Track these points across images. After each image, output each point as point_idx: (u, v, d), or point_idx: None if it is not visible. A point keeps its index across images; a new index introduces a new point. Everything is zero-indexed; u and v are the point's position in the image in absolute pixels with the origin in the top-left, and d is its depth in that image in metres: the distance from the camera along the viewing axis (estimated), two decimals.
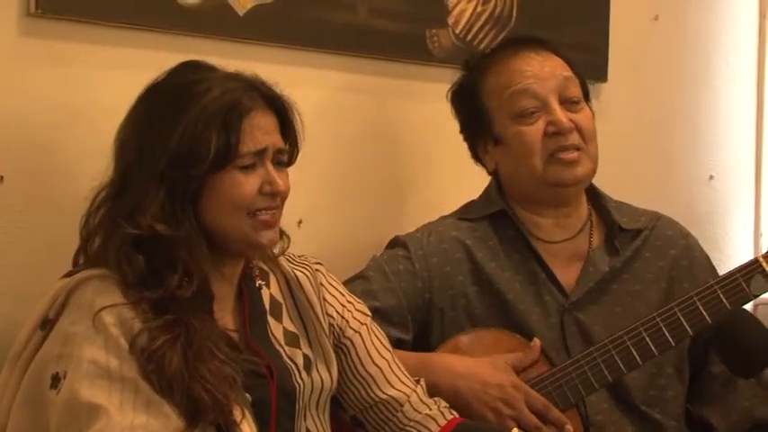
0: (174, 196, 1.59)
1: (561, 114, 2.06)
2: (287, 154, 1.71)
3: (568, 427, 1.94)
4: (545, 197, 2.12)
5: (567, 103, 2.09)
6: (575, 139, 2.07)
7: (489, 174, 2.20)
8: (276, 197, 1.66)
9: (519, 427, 1.92)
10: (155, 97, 1.65)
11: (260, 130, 1.64)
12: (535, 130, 2.07)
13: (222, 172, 1.60)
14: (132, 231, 1.57)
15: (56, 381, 1.50)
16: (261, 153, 1.63)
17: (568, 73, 2.11)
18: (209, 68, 1.68)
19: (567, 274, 2.12)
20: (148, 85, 1.67)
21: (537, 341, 2.02)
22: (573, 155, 2.07)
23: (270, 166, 1.65)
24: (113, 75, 2.00)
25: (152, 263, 1.58)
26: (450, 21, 2.54)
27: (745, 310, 1.92)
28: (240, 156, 1.61)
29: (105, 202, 1.62)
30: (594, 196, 2.19)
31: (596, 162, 2.11)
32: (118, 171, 1.62)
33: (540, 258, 2.11)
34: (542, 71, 2.08)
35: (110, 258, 1.58)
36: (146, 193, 1.58)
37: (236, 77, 1.66)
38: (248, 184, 1.62)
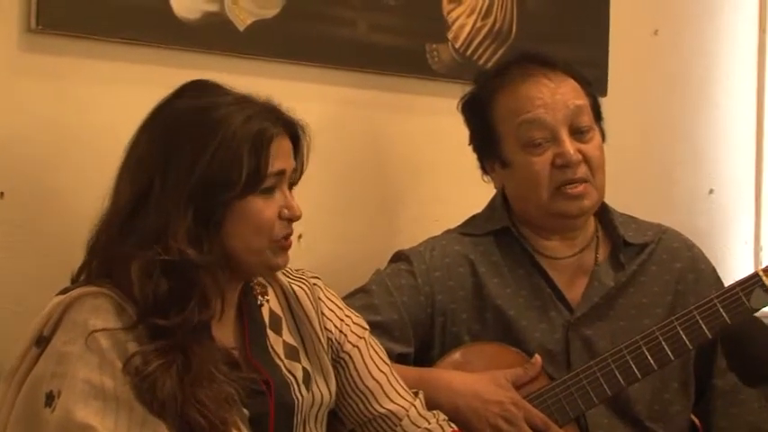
0: (200, 221, 1.58)
1: (570, 146, 2.04)
2: (294, 176, 1.72)
3: None
4: (550, 224, 2.12)
5: (577, 133, 2.06)
6: (582, 171, 2.05)
7: (496, 189, 2.20)
8: (291, 222, 1.68)
9: None
10: (174, 117, 1.63)
11: (282, 153, 1.66)
12: (543, 160, 2.05)
13: (248, 197, 1.61)
14: (162, 256, 1.55)
15: (50, 399, 1.50)
16: (280, 175, 1.65)
17: (580, 101, 2.08)
18: (223, 90, 1.68)
19: (572, 290, 2.11)
20: (161, 104, 1.65)
21: (538, 357, 2.01)
22: (579, 189, 2.05)
23: (287, 191, 1.67)
24: (114, 90, 2.01)
25: (173, 289, 1.56)
26: (450, 36, 2.54)
27: (757, 318, 1.91)
28: (267, 177, 1.62)
29: (120, 222, 1.60)
30: (602, 211, 2.18)
31: (603, 190, 2.10)
32: (134, 191, 1.60)
33: (545, 274, 2.11)
34: (553, 99, 2.06)
35: (132, 280, 1.55)
36: (172, 217, 1.56)
37: (252, 101, 1.66)
38: (269, 209, 1.64)
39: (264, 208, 1.63)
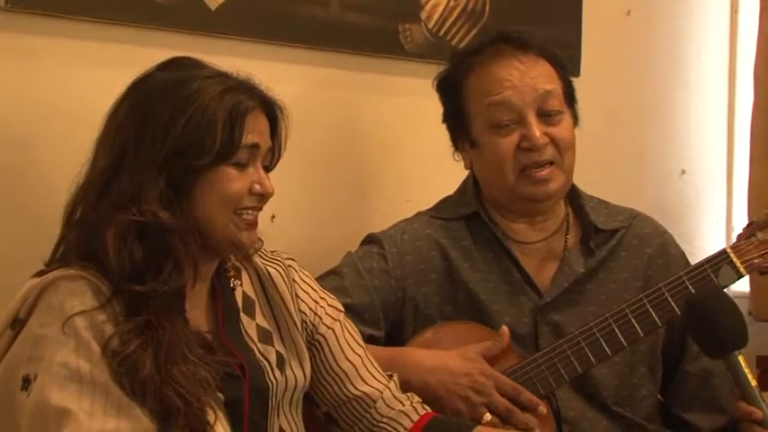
0: (172, 187, 1.59)
1: (536, 129, 2.04)
2: (270, 158, 1.73)
3: (542, 408, 1.96)
4: (517, 208, 2.13)
5: (545, 116, 2.07)
6: (548, 154, 2.06)
7: (466, 168, 2.20)
8: (263, 198, 1.68)
9: (491, 412, 1.93)
10: (152, 87, 1.64)
11: (257, 128, 1.66)
12: (509, 142, 2.05)
13: (219, 166, 1.61)
14: (136, 218, 1.56)
15: (26, 383, 1.49)
16: (254, 149, 1.65)
17: (550, 85, 2.08)
18: (204, 65, 1.69)
19: (542, 275, 2.12)
20: (142, 76, 1.66)
21: (505, 328, 2.02)
22: (544, 172, 2.06)
23: (260, 168, 1.68)
24: (84, 69, 2.00)
25: (148, 253, 1.57)
26: (423, 16, 2.54)
27: (721, 290, 1.93)
28: (240, 149, 1.63)
29: (96, 189, 1.60)
30: (573, 195, 2.19)
31: (571, 173, 2.11)
32: (110, 157, 1.61)
33: (514, 259, 2.11)
34: (522, 82, 2.05)
35: (107, 245, 1.55)
36: (145, 182, 1.57)
37: (232, 76, 1.67)
38: (240, 181, 1.64)
39: (235, 179, 1.64)
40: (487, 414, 1.93)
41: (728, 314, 1.77)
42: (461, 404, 1.93)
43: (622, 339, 1.99)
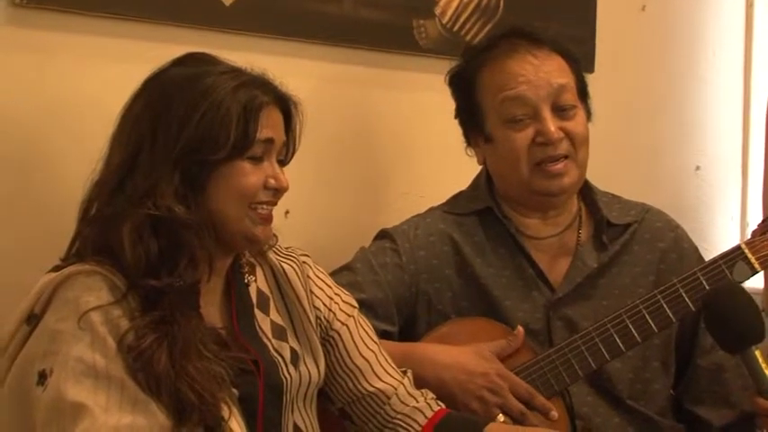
0: (187, 181, 1.60)
1: (551, 124, 2.04)
2: (284, 153, 1.73)
3: (554, 413, 1.95)
4: (532, 203, 2.12)
5: (560, 110, 2.07)
6: (563, 148, 2.06)
7: (479, 164, 2.20)
8: (278, 192, 1.68)
9: (504, 414, 1.93)
10: (167, 83, 1.64)
11: (271, 123, 1.67)
12: (524, 136, 2.06)
13: (234, 161, 1.62)
14: (152, 212, 1.56)
15: (42, 378, 1.50)
16: (269, 144, 1.66)
17: (564, 79, 2.08)
18: (219, 61, 1.69)
19: (554, 270, 2.12)
20: (157, 71, 1.67)
21: (520, 329, 2.02)
22: (559, 166, 2.06)
23: (275, 162, 1.68)
24: (99, 66, 2.00)
25: (164, 248, 1.57)
26: (438, 11, 2.54)
27: (739, 285, 1.92)
28: (255, 143, 1.63)
29: (111, 185, 1.61)
30: (585, 190, 2.18)
31: (584, 167, 2.11)
32: (125, 153, 1.61)
33: (527, 254, 2.11)
34: (537, 76, 2.05)
35: (123, 240, 1.56)
36: (161, 177, 1.58)
37: (246, 72, 1.68)
38: (255, 175, 1.64)
39: (250, 173, 1.64)
40: (501, 415, 1.93)
41: (746, 309, 1.76)
42: (476, 403, 1.93)
43: (636, 335, 1.99)
